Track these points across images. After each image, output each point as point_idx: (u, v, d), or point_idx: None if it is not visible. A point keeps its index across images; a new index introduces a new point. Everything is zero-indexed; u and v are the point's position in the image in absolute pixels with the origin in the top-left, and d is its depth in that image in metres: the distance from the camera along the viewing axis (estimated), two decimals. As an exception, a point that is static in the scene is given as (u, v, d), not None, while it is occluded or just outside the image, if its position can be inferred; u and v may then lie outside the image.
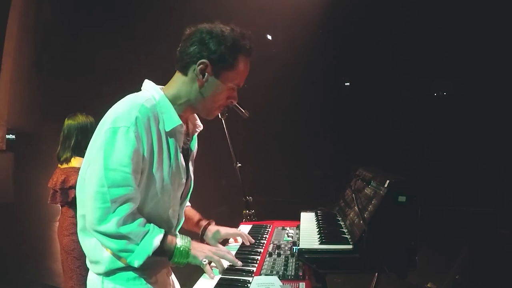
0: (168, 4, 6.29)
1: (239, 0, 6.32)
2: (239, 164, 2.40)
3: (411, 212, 1.52)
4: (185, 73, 1.47)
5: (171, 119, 1.45)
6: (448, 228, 5.59)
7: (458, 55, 7.06)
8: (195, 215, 1.89)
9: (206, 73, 1.43)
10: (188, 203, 1.95)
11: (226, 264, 1.56)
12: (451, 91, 8.73)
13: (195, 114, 1.63)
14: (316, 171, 8.24)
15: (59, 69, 6.74)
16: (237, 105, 2.24)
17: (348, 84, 9.39)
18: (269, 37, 8.48)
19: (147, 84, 1.52)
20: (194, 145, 1.67)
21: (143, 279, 1.49)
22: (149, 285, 1.50)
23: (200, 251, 1.50)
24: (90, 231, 1.41)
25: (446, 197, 6.65)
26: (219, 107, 1.54)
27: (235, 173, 2.41)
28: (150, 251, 1.38)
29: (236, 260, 1.55)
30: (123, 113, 1.37)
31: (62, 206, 3.17)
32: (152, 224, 1.44)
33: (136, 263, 1.39)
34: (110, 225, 1.35)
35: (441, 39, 6.96)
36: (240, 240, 1.91)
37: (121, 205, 1.35)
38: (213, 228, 1.82)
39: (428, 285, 3.84)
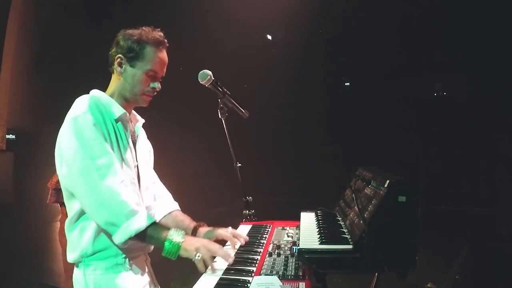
0: (169, 5, 6.29)
1: (239, 0, 6.32)
2: (239, 164, 2.40)
3: (411, 212, 1.52)
4: (112, 71, 1.74)
5: (116, 110, 1.68)
6: (448, 228, 5.58)
7: (459, 55, 7.06)
8: (185, 218, 1.95)
9: (123, 65, 1.69)
10: (177, 207, 1.98)
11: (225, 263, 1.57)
12: (451, 91, 8.73)
13: (134, 112, 1.85)
14: (316, 171, 8.23)
15: (59, 69, 6.74)
16: (237, 105, 2.25)
17: (348, 84, 9.39)
18: (269, 37, 8.49)
19: (93, 91, 1.74)
20: (140, 138, 1.84)
21: (121, 266, 1.61)
22: (126, 272, 1.62)
23: (191, 244, 1.53)
24: (84, 208, 1.54)
25: (446, 197, 6.65)
26: (146, 93, 1.73)
27: (235, 173, 2.40)
28: (133, 232, 1.49)
29: (228, 256, 1.56)
30: (77, 106, 1.61)
31: (61, 205, 3.17)
32: (145, 210, 1.57)
33: (118, 240, 1.49)
34: (103, 191, 1.49)
35: (441, 39, 6.96)
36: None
37: (108, 172, 1.51)
38: (204, 229, 1.87)
39: (428, 285, 3.85)
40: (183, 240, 1.52)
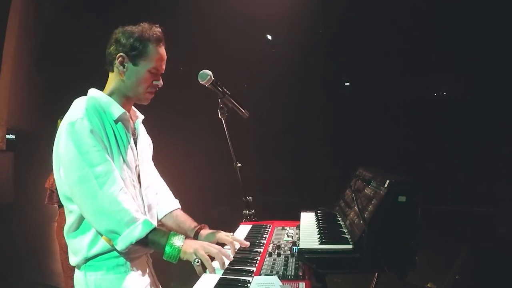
0: (171, 4, 6.29)
1: (240, 0, 6.33)
2: (239, 164, 2.40)
3: (411, 212, 1.51)
4: (112, 70, 1.71)
5: (115, 110, 1.66)
6: (448, 228, 5.59)
7: (459, 55, 7.07)
8: (187, 219, 1.94)
9: (125, 64, 1.66)
10: (178, 205, 1.97)
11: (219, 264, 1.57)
12: (451, 91, 8.74)
13: (134, 108, 1.83)
14: (316, 171, 8.23)
15: (59, 69, 6.74)
16: (237, 105, 2.24)
17: (348, 84, 9.40)
18: (269, 37, 8.49)
19: (91, 90, 1.72)
20: (140, 135, 1.83)
21: (122, 267, 1.61)
22: (127, 273, 1.62)
23: (190, 246, 1.54)
24: (83, 214, 1.53)
25: (446, 197, 6.65)
26: (148, 91, 1.72)
27: (235, 173, 2.40)
28: (134, 240, 1.50)
29: (223, 262, 1.56)
30: (74, 110, 1.58)
31: (59, 206, 3.17)
32: (145, 217, 1.56)
33: (119, 247, 1.51)
34: (102, 200, 1.49)
35: (441, 39, 6.96)
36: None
37: (107, 180, 1.50)
38: (205, 232, 1.85)
39: (428, 285, 3.85)
40: (183, 243, 1.54)
